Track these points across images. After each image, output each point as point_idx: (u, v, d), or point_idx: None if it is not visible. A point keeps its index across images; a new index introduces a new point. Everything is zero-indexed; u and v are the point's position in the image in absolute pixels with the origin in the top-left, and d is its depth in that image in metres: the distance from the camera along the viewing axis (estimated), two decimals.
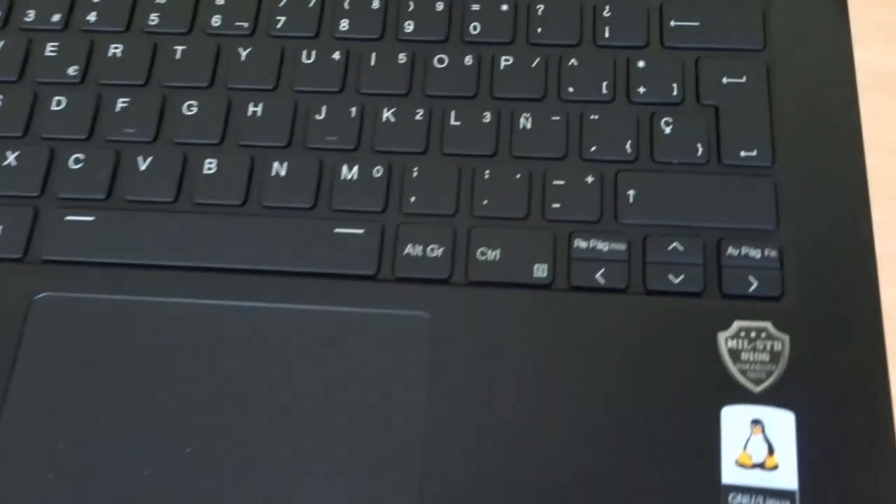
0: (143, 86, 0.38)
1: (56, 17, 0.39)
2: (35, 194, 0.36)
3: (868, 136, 0.36)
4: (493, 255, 0.34)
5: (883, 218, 0.34)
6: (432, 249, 0.35)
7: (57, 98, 0.38)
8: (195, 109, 0.37)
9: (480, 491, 0.31)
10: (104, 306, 0.34)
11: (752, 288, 0.33)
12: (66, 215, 0.36)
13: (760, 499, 0.30)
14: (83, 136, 0.37)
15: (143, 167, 0.36)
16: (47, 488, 0.32)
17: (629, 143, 0.36)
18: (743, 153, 0.35)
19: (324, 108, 0.37)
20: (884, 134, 0.36)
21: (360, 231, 0.35)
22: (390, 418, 0.32)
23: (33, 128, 0.37)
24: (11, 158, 0.37)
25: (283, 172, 0.36)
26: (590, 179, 0.35)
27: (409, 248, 0.35)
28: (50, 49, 0.39)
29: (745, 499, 0.30)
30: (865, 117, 0.36)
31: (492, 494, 0.31)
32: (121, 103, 0.38)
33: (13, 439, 0.32)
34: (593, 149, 0.36)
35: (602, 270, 0.34)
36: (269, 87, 0.38)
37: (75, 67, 0.38)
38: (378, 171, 0.36)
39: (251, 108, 0.37)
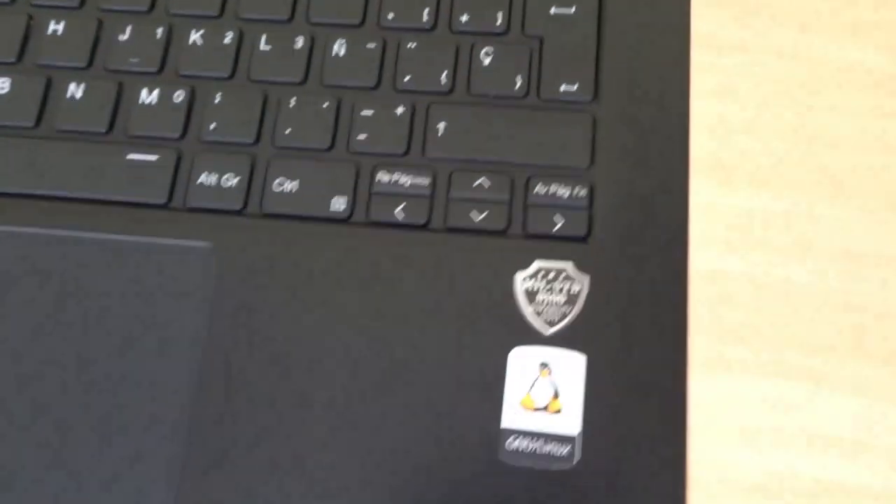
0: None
1: None
2: None
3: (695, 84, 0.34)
4: (290, 186, 0.33)
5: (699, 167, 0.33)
6: (227, 179, 0.33)
7: None
8: (61, 31, 0.35)
9: (252, 434, 0.29)
10: None
11: (557, 227, 0.32)
12: None
13: (540, 443, 0.29)
14: None
15: None
16: None
17: (445, 73, 0.34)
18: (563, 87, 0.34)
19: (128, 28, 0.35)
20: (710, 83, 0.34)
21: (154, 157, 0.33)
22: (165, 351, 0.30)
23: None
24: None
25: (78, 94, 0.34)
26: (400, 111, 0.33)
27: (203, 177, 0.33)
28: None
29: (524, 442, 0.29)
30: (695, 67, 0.34)
31: (266, 437, 0.29)
32: None
33: None
34: (407, 79, 0.34)
35: (402, 205, 0.32)
36: (75, 4, 0.35)
37: None
38: (179, 96, 0.34)
39: (52, 27, 0.35)
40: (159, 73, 0.34)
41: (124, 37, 0.35)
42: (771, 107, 0.33)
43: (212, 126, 0.33)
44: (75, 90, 0.34)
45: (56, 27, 0.35)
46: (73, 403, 0.30)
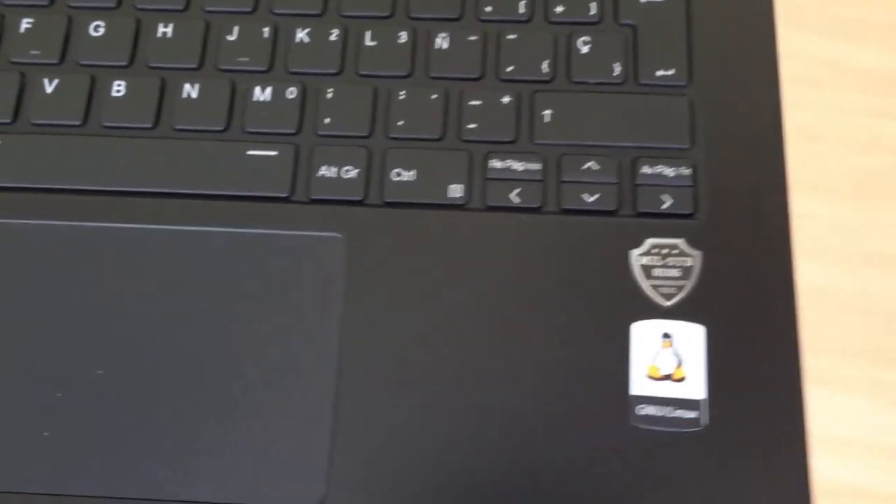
0: (47, 6, 0.37)
1: None
2: None
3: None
4: (408, 175, 0.34)
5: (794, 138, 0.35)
6: (347, 171, 0.34)
7: None
8: (102, 30, 0.36)
9: (396, 414, 0.31)
10: (10, 231, 0.33)
11: (665, 205, 0.33)
12: None
13: (669, 408, 0.31)
14: None
15: (49, 90, 0.35)
16: None
17: (546, 63, 0.35)
18: (659, 72, 0.35)
19: (235, 29, 0.36)
20: (799, 60, 0.36)
21: (274, 153, 0.34)
22: (304, 339, 0.32)
23: None
24: None
25: (194, 94, 0.35)
26: (506, 100, 0.35)
27: (323, 170, 0.34)
28: None
29: (653, 409, 0.31)
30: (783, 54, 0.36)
31: (408, 417, 0.31)
32: (24, 24, 0.36)
33: None
34: (510, 69, 0.35)
35: (517, 190, 0.34)
36: (180, 7, 0.37)
37: None
38: (291, 93, 0.35)
39: (161, 29, 0.36)
40: (270, 72, 0.36)
41: (232, 37, 0.36)
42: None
43: (326, 120, 0.35)
44: (190, 90, 0.35)
45: (165, 30, 0.36)
46: (221, 390, 0.31)
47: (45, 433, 0.31)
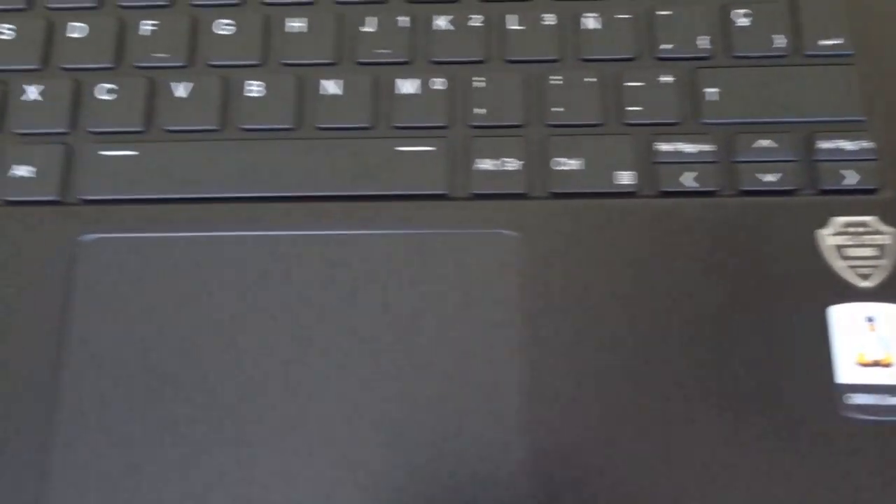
0: (168, 6, 0.35)
1: None
2: (65, 129, 0.33)
3: None
4: (572, 164, 0.32)
5: None
6: (506, 163, 0.32)
7: (75, 25, 0.34)
8: (231, 29, 0.34)
9: (583, 407, 0.29)
10: (156, 245, 0.31)
11: (848, 181, 0.31)
12: (101, 150, 0.33)
13: (883, 396, 0.29)
14: (109, 64, 0.34)
15: (183, 94, 0.33)
16: (127, 436, 0.29)
17: (704, 39, 0.33)
18: (824, 42, 0.33)
19: (372, 21, 0.34)
20: None
21: (427, 148, 0.32)
22: (484, 342, 0.30)
23: (52, 58, 0.34)
24: (33, 92, 0.33)
25: (336, 91, 0.33)
26: (667, 79, 0.33)
27: (481, 163, 0.32)
28: None
29: (865, 398, 0.29)
30: None
31: (597, 410, 0.29)
32: (147, 27, 0.34)
33: (80, 383, 0.30)
34: (666, 47, 0.33)
35: (689, 174, 0.32)
36: (310, 0, 0.35)
37: None
38: (438, 84, 0.33)
39: (291, 24, 0.34)
40: (412, 63, 0.34)
41: (370, 29, 0.34)
42: None
43: (478, 111, 0.33)
44: (331, 87, 0.33)
45: (297, 24, 0.34)
46: (403, 400, 0.29)
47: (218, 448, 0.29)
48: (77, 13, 0.35)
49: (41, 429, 0.29)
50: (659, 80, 0.33)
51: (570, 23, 0.34)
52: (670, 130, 0.32)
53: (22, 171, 0.33)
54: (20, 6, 0.35)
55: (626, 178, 0.32)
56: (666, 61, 0.33)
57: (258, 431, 0.29)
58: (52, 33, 0.34)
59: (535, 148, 0.32)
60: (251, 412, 0.29)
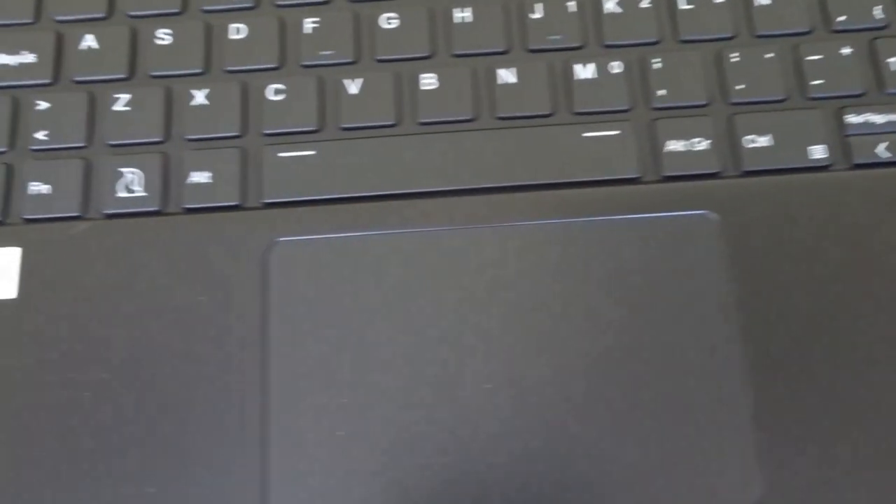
0: (325, 2, 0.34)
1: None
2: (237, 132, 0.32)
3: None
4: (762, 141, 0.32)
5: None
6: (697, 143, 0.32)
7: (236, 26, 0.33)
8: (396, 23, 0.33)
9: (817, 402, 0.29)
10: (343, 244, 0.31)
11: None
12: (279, 152, 0.32)
13: None
14: (274, 64, 0.33)
15: (354, 91, 0.33)
16: (335, 420, 0.28)
17: (879, 7, 0.33)
18: None
19: (539, 6, 0.33)
20: None
21: (615, 132, 0.32)
22: (702, 327, 0.29)
23: (216, 61, 0.33)
24: (200, 97, 0.33)
25: (512, 80, 0.33)
26: (846, 51, 0.33)
27: (671, 145, 0.32)
28: None
29: None
30: None
31: (828, 402, 0.29)
32: (310, 24, 0.34)
33: (287, 381, 0.29)
34: (842, 18, 0.33)
35: (885, 144, 0.31)
36: None
37: None
38: (616, 67, 0.33)
39: (460, 15, 0.34)
40: (585, 48, 0.33)
41: (539, 15, 0.33)
42: None
43: (660, 92, 0.32)
44: (507, 76, 0.33)
45: (466, 14, 0.33)
46: (633, 394, 0.29)
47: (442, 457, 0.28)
48: (237, 14, 0.34)
49: (255, 424, 0.28)
50: (838, 52, 0.33)
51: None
52: (857, 102, 0.32)
53: (199, 177, 0.32)
54: (177, 10, 0.34)
55: (818, 152, 0.31)
56: (842, 33, 0.33)
57: (493, 425, 0.28)
58: (210, 36, 0.33)
59: (721, 126, 0.32)
60: (489, 410, 0.29)
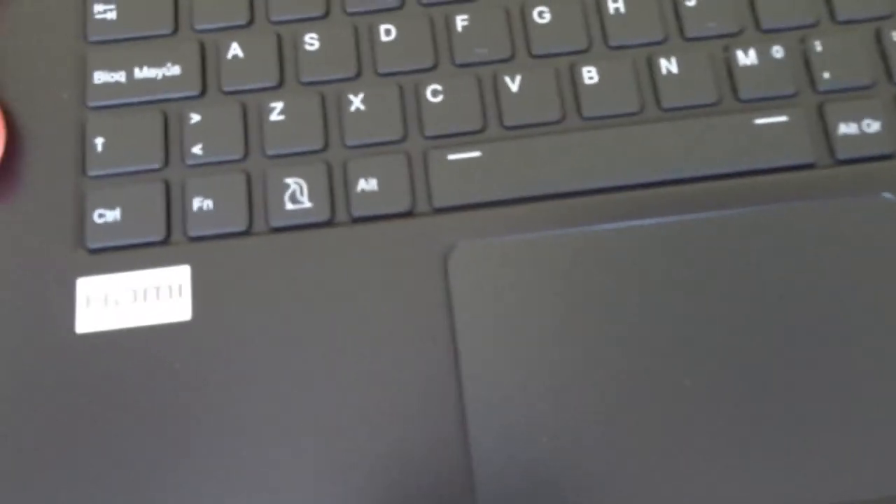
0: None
1: None
2: (399, 137, 0.31)
3: None
4: None
5: None
6: (868, 125, 0.31)
7: (385, 27, 0.33)
8: (548, 17, 0.33)
9: None
10: (525, 246, 0.30)
11: None
12: (447, 154, 0.31)
13: None
14: (430, 65, 0.32)
15: (514, 88, 0.32)
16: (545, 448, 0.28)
17: None
18: None
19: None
20: None
21: (784, 118, 0.31)
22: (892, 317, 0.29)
23: (367, 63, 0.32)
24: (357, 102, 0.32)
25: (674, 69, 0.32)
26: None
27: (843, 128, 0.31)
28: None
29: None
30: None
31: None
32: (461, 21, 0.33)
33: (479, 378, 0.28)
34: None
35: None
36: None
37: None
38: (779, 52, 0.32)
39: (613, 6, 0.33)
40: (743, 33, 0.33)
41: (693, 3, 0.33)
42: None
43: (826, 75, 0.32)
44: (669, 66, 0.32)
45: (621, 5, 0.33)
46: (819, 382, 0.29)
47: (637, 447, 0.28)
48: (385, 15, 0.33)
49: (455, 413, 0.28)
50: None
51: None
52: None
53: (366, 184, 0.31)
54: (321, 14, 0.33)
55: None
56: None
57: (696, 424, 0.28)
58: (359, 39, 0.33)
59: (891, 107, 0.32)
60: (687, 410, 0.28)
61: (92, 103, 0.32)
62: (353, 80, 0.32)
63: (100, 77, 0.32)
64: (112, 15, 0.33)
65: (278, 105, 0.32)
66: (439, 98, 0.32)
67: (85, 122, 0.32)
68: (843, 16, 0.33)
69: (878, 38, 0.32)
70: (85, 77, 0.32)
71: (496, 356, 0.29)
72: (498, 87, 0.32)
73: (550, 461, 0.28)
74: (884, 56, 0.32)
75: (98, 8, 0.33)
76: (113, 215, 0.31)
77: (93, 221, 0.31)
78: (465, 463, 0.28)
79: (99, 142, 0.31)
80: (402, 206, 0.31)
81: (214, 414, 0.28)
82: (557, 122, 0.32)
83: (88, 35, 0.33)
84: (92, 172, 0.31)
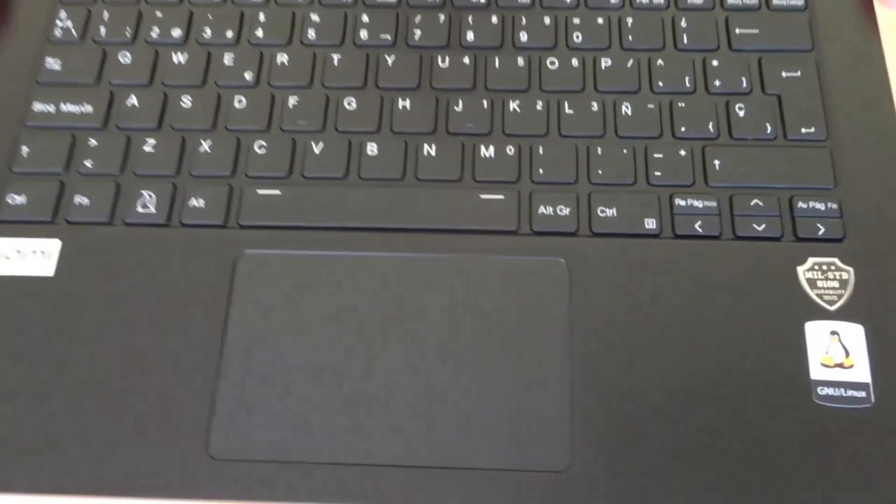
0: (307, 87, 0.46)
1: (229, 34, 0.48)
2: (228, 173, 0.44)
3: None
4: (610, 212, 0.43)
5: None
6: (561, 209, 0.43)
7: (238, 97, 0.46)
8: (354, 105, 0.46)
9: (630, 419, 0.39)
10: (295, 260, 0.42)
11: (819, 232, 0.42)
12: (257, 189, 0.44)
13: (842, 389, 0.38)
14: (262, 128, 0.45)
15: (317, 151, 0.44)
16: (284, 424, 0.39)
17: (711, 124, 0.44)
18: (803, 130, 0.44)
19: (460, 102, 0.45)
20: None
21: (501, 196, 0.43)
22: (541, 348, 0.40)
23: (220, 122, 0.46)
24: (205, 146, 0.45)
25: (433, 152, 0.44)
26: (683, 153, 0.44)
27: (542, 209, 0.43)
28: (227, 60, 0.47)
29: (830, 390, 0.38)
30: None
31: (643, 413, 0.39)
32: (293, 101, 0.46)
33: (239, 361, 0.40)
34: (683, 129, 0.44)
35: (699, 222, 0.42)
36: (413, 86, 0.46)
37: (250, 73, 0.46)
38: (511, 150, 0.44)
39: (401, 104, 0.46)
40: (489, 134, 0.45)
41: (459, 108, 0.45)
42: None
43: (541, 171, 0.44)
44: (429, 150, 0.44)
45: (404, 104, 0.45)
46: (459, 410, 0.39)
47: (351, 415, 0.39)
48: (240, 89, 0.46)
49: (207, 388, 0.39)
50: (678, 153, 0.44)
51: (609, 109, 0.45)
52: (685, 191, 0.43)
53: (196, 202, 0.43)
54: (197, 83, 0.46)
55: (651, 223, 0.42)
56: (683, 140, 0.44)
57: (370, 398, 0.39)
58: (220, 104, 0.46)
59: (583, 200, 0.43)
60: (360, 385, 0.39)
61: (28, 123, 0.46)
62: (207, 131, 0.45)
63: (38, 107, 0.46)
64: (57, 66, 0.47)
65: (151, 140, 0.45)
66: (263, 151, 0.45)
67: (19, 136, 0.45)
68: (566, 132, 0.45)
69: (588, 152, 0.44)
70: (27, 105, 0.46)
71: (258, 345, 0.40)
72: (305, 149, 0.45)
73: (288, 440, 0.39)
74: (588, 163, 0.44)
75: (49, 61, 0.47)
76: (20, 199, 0.44)
77: (6, 202, 0.44)
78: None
79: (24, 150, 0.45)
80: (217, 220, 0.43)
81: (54, 350, 0.41)
82: (342, 178, 0.44)
83: (38, 78, 0.47)
84: (15, 170, 0.45)
